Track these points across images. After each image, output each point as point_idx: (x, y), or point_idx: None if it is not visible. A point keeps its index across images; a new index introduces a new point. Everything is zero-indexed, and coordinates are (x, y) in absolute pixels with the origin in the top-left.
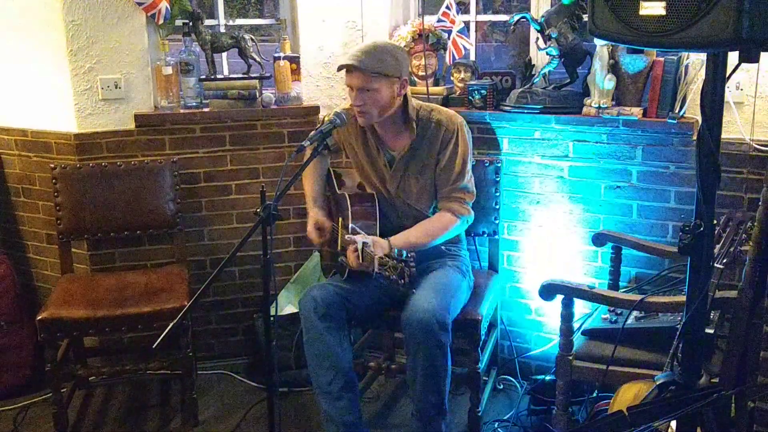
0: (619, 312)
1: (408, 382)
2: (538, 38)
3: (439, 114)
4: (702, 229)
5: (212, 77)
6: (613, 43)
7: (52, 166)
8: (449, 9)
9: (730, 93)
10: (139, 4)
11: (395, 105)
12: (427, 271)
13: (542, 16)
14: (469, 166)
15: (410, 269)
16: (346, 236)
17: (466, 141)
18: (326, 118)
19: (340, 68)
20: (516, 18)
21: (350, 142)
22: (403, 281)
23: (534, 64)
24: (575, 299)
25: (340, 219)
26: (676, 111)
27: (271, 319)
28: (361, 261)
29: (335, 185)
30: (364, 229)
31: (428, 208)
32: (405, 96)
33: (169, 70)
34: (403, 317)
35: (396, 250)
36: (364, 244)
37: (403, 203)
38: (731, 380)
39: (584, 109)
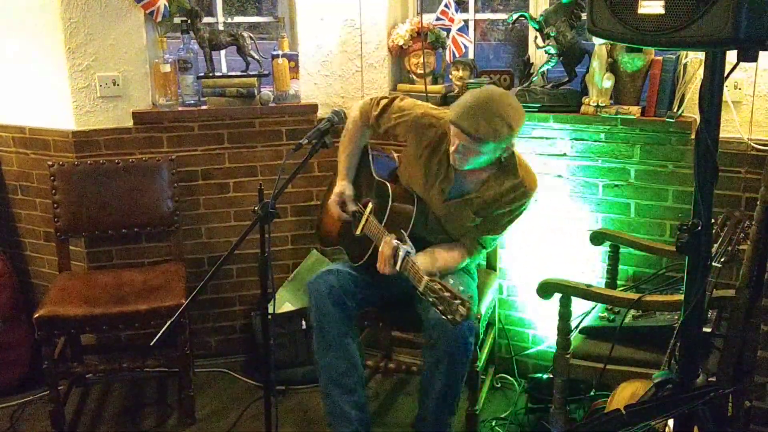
0: (616, 311)
1: (422, 382)
2: (536, 37)
3: (525, 171)
4: (700, 228)
5: (210, 75)
6: (612, 42)
7: (50, 163)
8: (448, 7)
9: (728, 92)
10: (138, 1)
11: (494, 160)
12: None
13: (541, 15)
14: (510, 230)
15: (467, 310)
16: (392, 240)
17: (527, 209)
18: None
19: (452, 123)
20: (515, 16)
21: (416, 147)
22: (452, 317)
23: (532, 63)
24: (573, 298)
25: (370, 205)
26: (675, 110)
27: (269, 317)
28: (397, 269)
29: (371, 165)
30: (394, 231)
31: (458, 237)
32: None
33: (167, 68)
34: (431, 319)
35: (452, 282)
36: (407, 253)
37: (437, 223)
38: (728, 379)
39: (582, 108)
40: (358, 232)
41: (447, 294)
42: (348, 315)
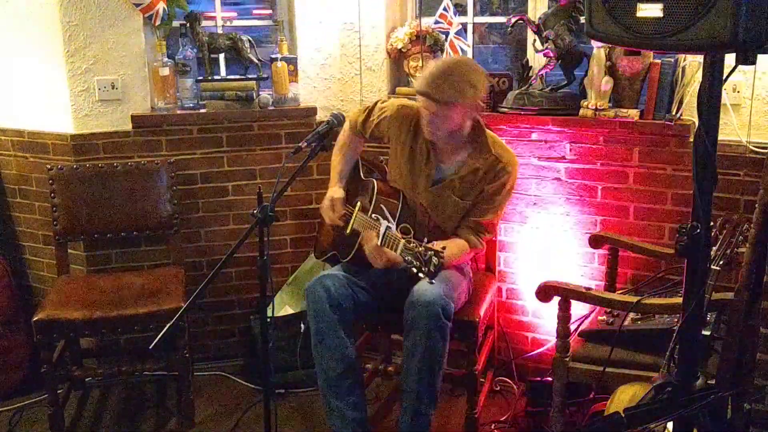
0: (615, 314)
1: (402, 367)
2: (535, 40)
3: (501, 148)
4: (699, 231)
5: (209, 78)
6: (611, 45)
7: (49, 167)
8: (446, 11)
9: (726, 95)
10: (136, 5)
11: (465, 127)
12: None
13: (539, 18)
14: (505, 208)
15: (439, 259)
16: (372, 215)
17: (514, 184)
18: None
19: (418, 92)
20: (513, 20)
21: (399, 139)
22: (427, 269)
23: (531, 66)
24: (572, 301)
25: (358, 203)
26: (673, 113)
27: (268, 320)
28: (380, 244)
29: (361, 170)
30: (378, 213)
31: (450, 228)
32: (477, 118)
33: (166, 71)
34: (409, 300)
35: (426, 240)
36: (388, 227)
37: (424, 214)
38: (727, 382)
39: (581, 111)
40: (348, 231)
41: (420, 248)
42: (344, 318)
